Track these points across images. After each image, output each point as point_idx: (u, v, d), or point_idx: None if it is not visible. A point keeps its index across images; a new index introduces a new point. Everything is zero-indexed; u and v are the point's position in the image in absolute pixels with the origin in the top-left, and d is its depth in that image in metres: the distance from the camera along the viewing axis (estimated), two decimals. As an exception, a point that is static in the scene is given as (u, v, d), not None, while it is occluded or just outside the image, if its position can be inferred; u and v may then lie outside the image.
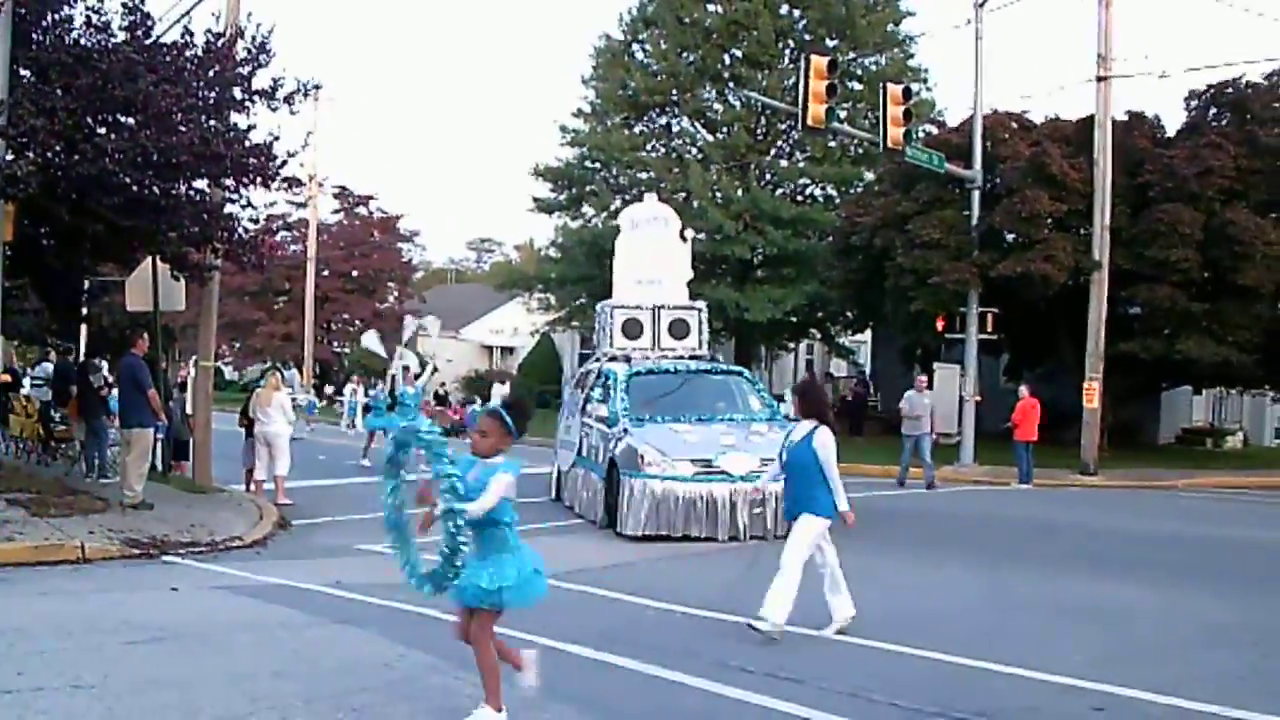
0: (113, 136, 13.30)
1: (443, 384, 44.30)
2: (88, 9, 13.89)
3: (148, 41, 14.20)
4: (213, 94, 14.66)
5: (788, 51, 35.37)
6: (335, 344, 53.24)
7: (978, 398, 24.39)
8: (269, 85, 15.11)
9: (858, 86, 34.29)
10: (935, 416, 21.09)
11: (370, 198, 53.97)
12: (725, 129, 36.61)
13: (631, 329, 16.39)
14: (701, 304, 17.21)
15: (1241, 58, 37.42)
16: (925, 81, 36.00)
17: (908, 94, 22.99)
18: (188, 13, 15.68)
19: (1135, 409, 29.64)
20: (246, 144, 14.89)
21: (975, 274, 24.47)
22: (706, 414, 14.49)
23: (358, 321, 52.20)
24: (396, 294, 54.42)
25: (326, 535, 13.66)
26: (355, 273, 51.72)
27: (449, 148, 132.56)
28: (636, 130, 37.85)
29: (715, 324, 18.06)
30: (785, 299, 33.18)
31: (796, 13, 35.84)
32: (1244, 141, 24.41)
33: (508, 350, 58.17)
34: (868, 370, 41.12)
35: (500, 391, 31.52)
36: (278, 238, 46.67)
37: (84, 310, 21.66)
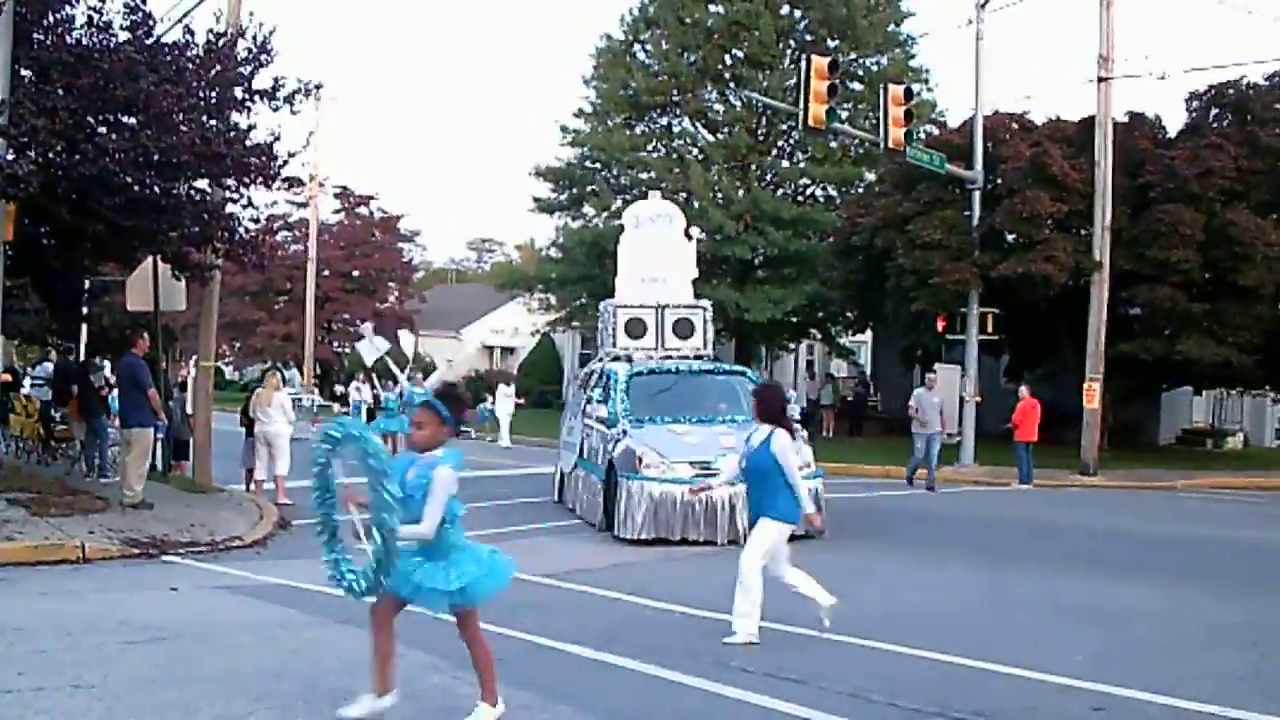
0: (114, 136, 13.30)
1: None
2: (89, 9, 13.88)
3: (149, 41, 14.20)
4: (214, 94, 14.65)
5: (789, 52, 35.36)
6: (336, 344, 53.22)
7: (978, 398, 24.40)
8: (270, 85, 15.10)
9: (859, 87, 34.28)
10: (945, 416, 21.03)
11: (371, 198, 53.97)
12: (726, 129, 36.60)
13: (635, 328, 16.11)
14: (706, 303, 16.91)
15: (1242, 59, 37.45)
16: (926, 82, 35.99)
17: (909, 94, 22.99)
18: (189, 12, 15.71)
19: (1135, 409, 29.64)
20: (247, 144, 14.89)
21: (976, 274, 24.48)
22: (707, 415, 14.25)
23: (358, 321, 52.11)
24: (397, 294, 54.37)
25: (326, 535, 13.66)
26: (356, 273, 51.68)
27: (450, 148, 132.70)
28: (637, 130, 37.84)
29: (715, 324, 17.86)
30: (786, 299, 33.17)
31: (797, 13, 35.83)
32: (1245, 142, 24.40)
33: (508, 350, 58.16)
34: (868, 371, 41.12)
35: (506, 393, 31.29)
36: (278, 237, 46.61)
37: (84, 310, 21.64)
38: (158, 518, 13.01)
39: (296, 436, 17.36)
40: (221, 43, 14.83)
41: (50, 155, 12.91)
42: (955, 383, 24.77)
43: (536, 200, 39.50)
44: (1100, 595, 9.90)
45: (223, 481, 17.26)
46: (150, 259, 16.53)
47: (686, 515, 12.68)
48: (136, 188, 13.65)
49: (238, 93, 14.98)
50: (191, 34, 14.75)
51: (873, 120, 28.26)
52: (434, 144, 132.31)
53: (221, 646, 7.43)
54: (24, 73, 13.25)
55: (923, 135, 27.87)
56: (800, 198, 36.59)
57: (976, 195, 25.03)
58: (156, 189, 14.07)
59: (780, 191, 35.96)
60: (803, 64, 21.37)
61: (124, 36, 13.94)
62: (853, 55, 34.25)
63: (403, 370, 21.63)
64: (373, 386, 32.57)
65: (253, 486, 17.16)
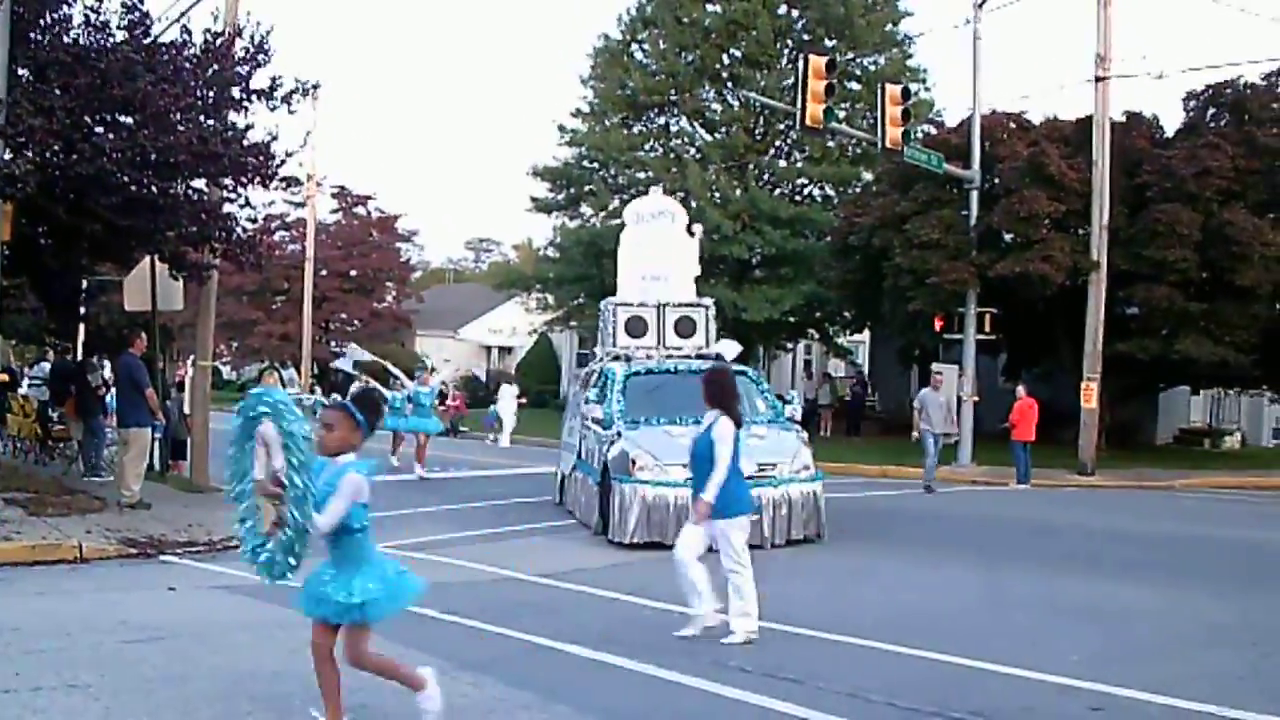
0: (111, 136, 13.30)
1: (444, 381, 44.32)
2: (86, 8, 13.88)
3: (146, 41, 14.20)
4: (211, 93, 14.65)
5: (786, 51, 35.37)
6: (333, 344, 53.18)
7: (976, 398, 24.40)
8: (267, 85, 15.09)
9: (856, 86, 34.27)
10: (951, 416, 20.84)
11: (369, 197, 53.88)
12: (724, 129, 36.61)
13: (635, 327, 15.72)
14: (709, 300, 16.51)
15: (1240, 58, 37.35)
16: (924, 81, 35.99)
17: (906, 94, 22.99)
18: (186, 12, 15.67)
19: (1133, 409, 29.65)
20: (245, 143, 14.87)
21: (973, 274, 24.48)
22: (703, 416, 14.00)
23: (356, 321, 52.14)
24: (395, 294, 54.33)
25: (324, 535, 13.65)
26: (353, 272, 51.61)
27: (447, 147, 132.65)
28: (635, 130, 37.84)
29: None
30: (783, 299, 33.18)
31: (795, 13, 35.85)
32: (1242, 142, 24.41)
33: (506, 350, 58.15)
34: (866, 370, 41.13)
35: (510, 393, 31.18)
36: (276, 237, 46.59)
37: (82, 310, 21.67)
38: (155, 517, 13.00)
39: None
40: (219, 42, 14.83)
41: (47, 155, 12.90)
42: (953, 382, 24.78)
43: (534, 200, 39.50)
44: (1098, 595, 9.91)
45: (220, 481, 17.22)
46: (147, 259, 16.53)
47: (680, 519, 11.93)
48: (134, 187, 13.64)
49: (235, 92, 14.97)
50: (189, 33, 14.74)
51: (870, 120, 28.29)
52: (432, 144, 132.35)
53: (219, 646, 7.42)
54: (21, 72, 13.23)
55: (920, 135, 27.86)
56: (798, 197, 36.59)
57: (974, 195, 25.03)
58: (154, 189, 14.06)
59: (778, 191, 35.96)
60: (800, 63, 21.36)
61: (121, 36, 13.94)
62: (850, 55, 34.22)
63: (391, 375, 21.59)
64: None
65: (250, 485, 17.12)
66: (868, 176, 33.93)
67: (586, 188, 37.93)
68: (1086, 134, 23.79)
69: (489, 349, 59.02)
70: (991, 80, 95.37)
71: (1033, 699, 6.54)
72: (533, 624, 8.10)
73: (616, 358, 15.42)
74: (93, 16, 13.81)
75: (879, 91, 22.92)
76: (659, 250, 16.47)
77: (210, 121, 14.47)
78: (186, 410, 18.42)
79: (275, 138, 15.26)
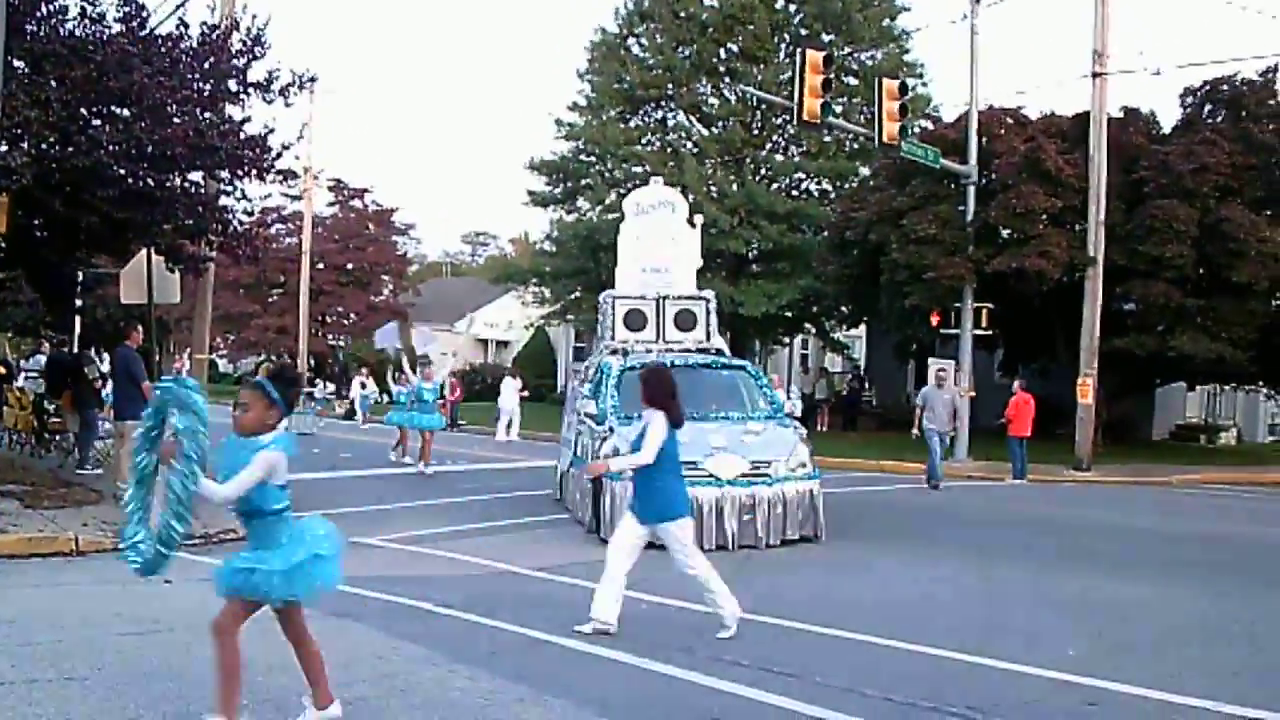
0: (107, 128, 13.27)
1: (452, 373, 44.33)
2: (82, 0, 13.85)
3: (142, 33, 14.16)
4: (208, 86, 14.63)
5: (783, 46, 35.41)
6: (330, 337, 53.16)
7: (972, 393, 24.41)
8: (264, 77, 15.06)
9: (853, 81, 34.31)
10: (956, 412, 20.73)
11: (365, 190, 53.88)
12: (720, 123, 36.62)
13: (634, 320, 15.41)
14: (710, 293, 16.12)
15: (1237, 55, 37.50)
16: (921, 77, 36.08)
17: (903, 89, 22.97)
18: (183, 4, 15.64)
19: (1129, 405, 29.70)
20: (241, 136, 14.85)
21: (970, 269, 24.51)
22: (700, 412, 13.10)
23: (352, 315, 52.13)
24: (391, 287, 54.31)
25: (320, 528, 13.65)
26: (350, 266, 51.59)
27: (445, 141, 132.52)
28: (632, 124, 37.85)
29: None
30: (780, 294, 33.21)
31: (792, 7, 35.86)
32: (1239, 138, 24.45)
33: (502, 344, 58.17)
34: (862, 366, 41.17)
35: (513, 386, 31.15)
36: (272, 230, 46.65)
37: (78, 302, 21.60)
38: (151, 510, 12.96)
39: (305, 431, 17.29)
40: (215, 35, 14.80)
41: (43, 147, 12.86)
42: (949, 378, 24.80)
43: (531, 194, 39.51)
44: (1095, 590, 9.92)
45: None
46: (144, 251, 16.48)
47: None
48: (130, 180, 13.62)
49: (231, 85, 14.94)
50: (185, 26, 14.71)
51: (867, 115, 28.30)
52: (429, 137, 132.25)
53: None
54: (17, 64, 13.21)
55: (917, 130, 27.85)
56: (795, 192, 36.62)
57: (971, 190, 25.06)
58: (150, 181, 14.03)
59: (775, 186, 35.98)
60: (797, 58, 21.35)
61: (117, 28, 13.90)
62: (847, 50, 34.27)
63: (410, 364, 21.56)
64: (379, 381, 32.61)
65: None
66: (865, 171, 33.97)
67: (583, 181, 37.94)
68: (1084, 130, 23.80)
69: (486, 342, 59.02)
70: (989, 76, 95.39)
71: (1029, 694, 6.54)
72: (528, 617, 8.10)
73: (615, 352, 15.18)
74: (89, 8, 13.78)
75: (876, 86, 22.90)
76: (659, 242, 16.23)
77: (207, 114, 14.44)
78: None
79: (272, 130, 15.25)
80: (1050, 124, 26.33)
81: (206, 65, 14.53)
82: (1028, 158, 24.64)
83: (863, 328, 38.94)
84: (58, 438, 18.26)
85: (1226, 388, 34.08)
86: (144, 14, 14.23)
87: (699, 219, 17.28)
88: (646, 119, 38.34)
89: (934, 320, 25.98)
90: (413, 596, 8.79)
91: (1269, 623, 8.86)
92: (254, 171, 15.29)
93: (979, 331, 25.08)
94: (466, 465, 21.59)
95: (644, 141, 37.60)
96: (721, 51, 35.89)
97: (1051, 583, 10.35)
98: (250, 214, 16.96)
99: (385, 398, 29.06)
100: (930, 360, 25.45)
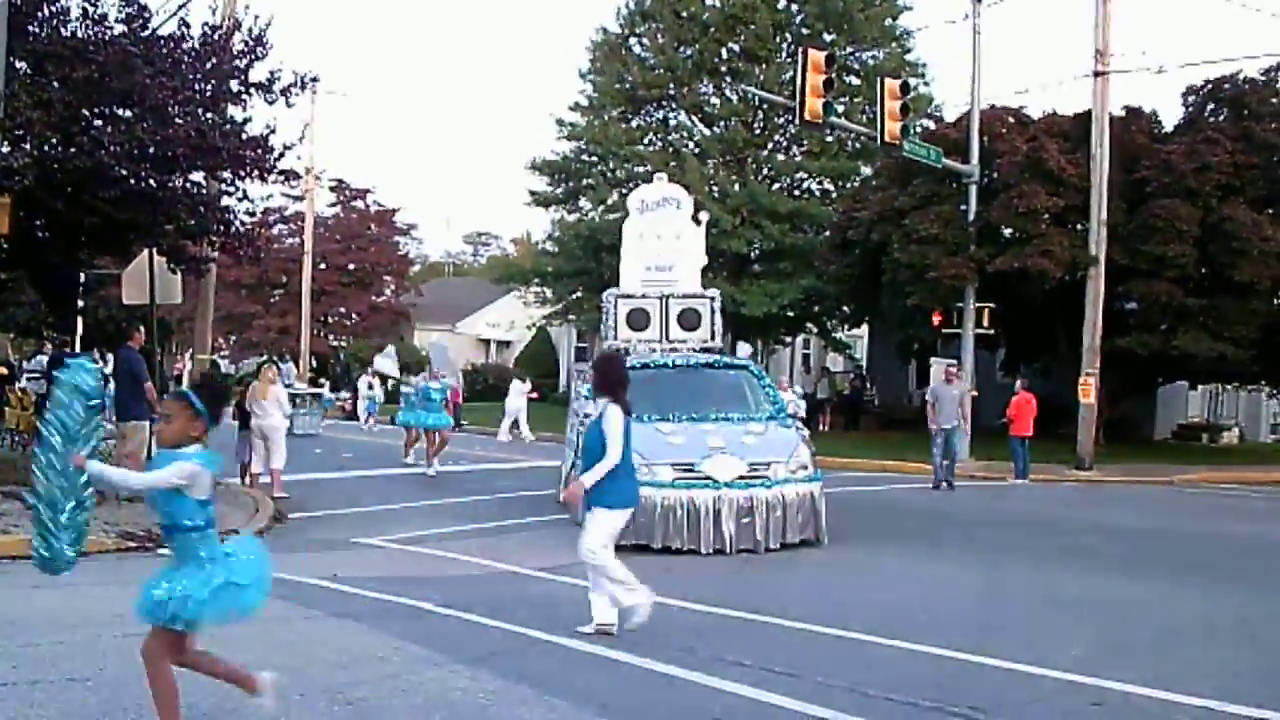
0: (109, 129, 13.30)
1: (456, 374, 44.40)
2: (84, 1, 13.86)
3: (144, 34, 14.18)
4: (209, 87, 14.65)
5: (785, 46, 35.38)
6: (332, 337, 53.17)
7: (974, 393, 24.40)
8: (266, 78, 15.10)
9: (855, 81, 34.30)
10: (964, 409, 20.53)
11: (367, 191, 53.85)
12: (722, 123, 36.61)
13: (637, 320, 15.27)
14: (714, 292, 15.98)
15: (1239, 53, 37.41)
16: (923, 76, 36.07)
17: (905, 89, 22.96)
18: (184, 4, 15.68)
19: (1131, 404, 29.67)
20: (243, 137, 14.88)
21: (972, 269, 24.49)
22: (700, 413, 13.23)
23: (354, 315, 52.14)
24: (393, 288, 54.31)
25: (323, 529, 13.64)
26: (352, 266, 51.58)
27: (446, 141, 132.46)
28: (633, 124, 37.85)
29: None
30: (782, 293, 33.19)
31: (794, 7, 35.84)
32: (1241, 137, 24.42)
33: (504, 344, 58.14)
34: (864, 365, 41.14)
35: (520, 389, 31.06)
36: (274, 231, 46.63)
37: (80, 303, 21.62)
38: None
39: (309, 433, 17.23)
40: (217, 35, 14.82)
41: (46, 148, 12.89)
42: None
43: (533, 194, 39.51)
44: (1097, 590, 9.91)
45: (218, 475, 17.21)
46: (146, 252, 16.50)
47: (667, 521, 11.75)
48: (132, 180, 13.63)
49: (233, 86, 14.97)
50: (187, 27, 14.75)
51: (869, 114, 28.27)
52: (431, 137, 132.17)
53: (216, 639, 7.39)
54: (19, 65, 13.24)
55: (919, 129, 27.86)
56: (796, 192, 36.60)
57: (973, 190, 25.04)
58: (152, 182, 14.05)
59: (776, 185, 35.97)
60: (799, 58, 21.32)
61: (119, 29, 13.93)
62: (849, 49, 34.25)
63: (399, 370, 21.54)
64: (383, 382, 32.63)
65: (248, 480, 17.13)
66: (867, 171, 33.95)
67: (585, 182, 37.94)
68: (1085, 129, 23.78)
69: (487, 343, 59.01)
70: (991, 75, 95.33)
71: (1032, 694, 6.54)
72: (529, 617, 8.10)
73: (617, 351, 14.98)
74: (91, 9, 13.81)
75: (878, 86, 22.90)
76: (664, 239, 16.04)
77: (208, 115, 14.46)
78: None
79: (273, 131, 15.31)
80: (1052, 123, 26.29)
81: (208, 66, 14.55)
82: (1029, 157, 24.61)
83: (864, 327, 38.92)
84: (59, 439, 18.23)
85: (1228, 387, 34.07)
86: (146, 15, 14.26)
87: (704, 216, 17.09)
88: (648, 119, 38.33)
89: (936, 320, 25.97)
90: (414, 597, 8.79)
91: (1271, 623, 8.85)
92: (256, 172, 15.31)
93: (981, 331, 25.07)
94: (470, 465, 21.60)
95: (646, 141, 37.59)
96: (723, 51, 35.88)
97: (1054, 582, 10.34)
98: (252, 214, 17.01)
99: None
100: (933, 360, 25.48)
